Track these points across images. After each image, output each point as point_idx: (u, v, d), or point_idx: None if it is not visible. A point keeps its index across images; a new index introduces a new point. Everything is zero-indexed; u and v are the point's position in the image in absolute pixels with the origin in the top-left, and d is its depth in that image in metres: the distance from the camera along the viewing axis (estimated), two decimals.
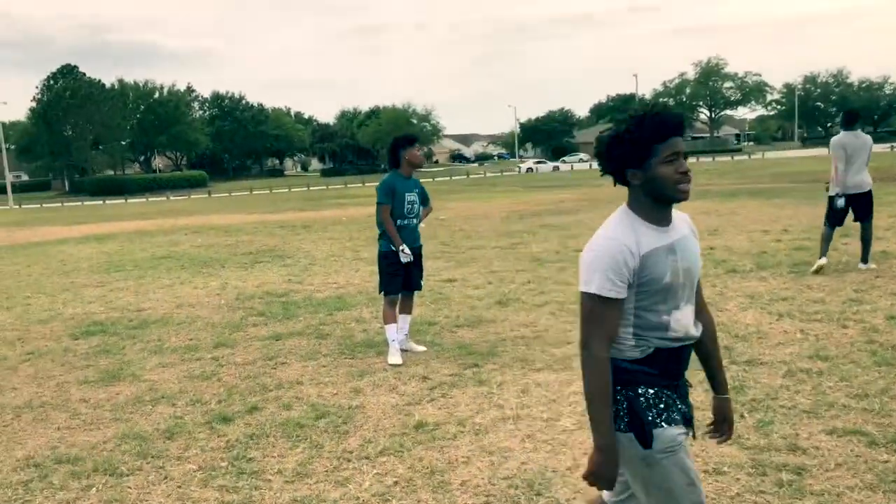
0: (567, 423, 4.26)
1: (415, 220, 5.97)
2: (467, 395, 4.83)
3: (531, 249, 11.80)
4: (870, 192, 8.36)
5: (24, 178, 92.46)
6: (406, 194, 5.83)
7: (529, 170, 69.88)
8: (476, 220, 18.28)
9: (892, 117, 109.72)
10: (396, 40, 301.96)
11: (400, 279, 5.87)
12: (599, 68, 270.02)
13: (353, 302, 8.17)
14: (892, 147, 65.43)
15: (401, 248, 5.73)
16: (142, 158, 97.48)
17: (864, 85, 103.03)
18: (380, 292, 6.00)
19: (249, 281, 10.14)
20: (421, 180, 6.31)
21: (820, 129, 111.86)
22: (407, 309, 6.10)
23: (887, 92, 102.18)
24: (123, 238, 18.45)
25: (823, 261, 8.34)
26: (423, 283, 6.20)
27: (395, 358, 5.74)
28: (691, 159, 70.44)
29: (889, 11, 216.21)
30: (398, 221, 5.83)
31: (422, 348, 6.04)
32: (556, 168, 70.84)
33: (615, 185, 2.30)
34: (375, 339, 6.41)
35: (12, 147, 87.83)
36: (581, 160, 79.41)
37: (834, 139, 8.39)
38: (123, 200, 60.50)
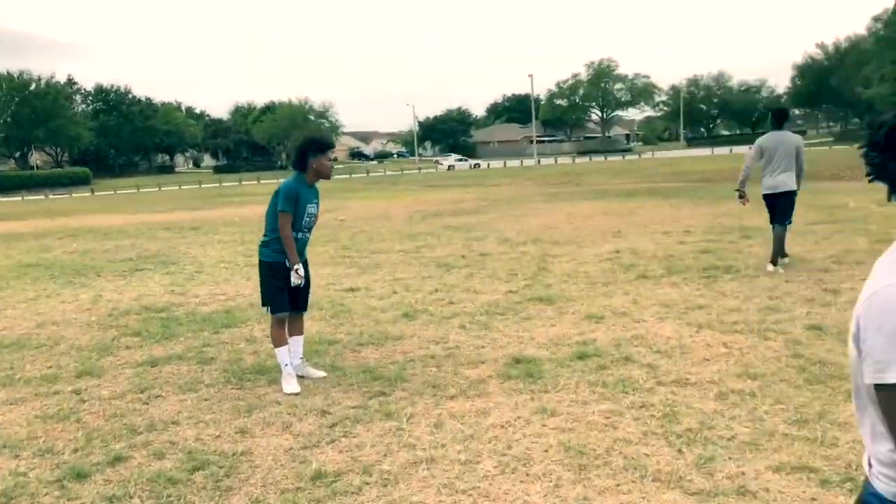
0: (488, 467, 3.72)
1: (309, 235, 5.32)
2: (373, 433, 4.22)
3: (436, 253, 11.27)
4: (789, 193, 8.22)
5: None
6: (308, 205, 5.17)
7: (451, 167, 69.92)
8: (378, 221, 17.63)
9: (768, 120, 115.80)
10: (291, 33, 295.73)
11: (286, 294, 5.20)
12: (493, 67, 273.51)
13: (242, 317, 7.39)
14: None
15: (295, 267, 5.07)
16: (17, 154, 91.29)
17: (742, 88, 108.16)
18: (263, 306, 5.31)
19: (126, 293, 9.15)
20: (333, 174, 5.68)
21: (703, 129, 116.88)
22: (297, 329, 5.43)
23: (764, 95, 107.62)
24: None
25: (774, 269, 8.15)
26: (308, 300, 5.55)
27: (290, 386, 5.06)
28: (583, 159, 72.30)
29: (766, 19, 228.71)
30: (297, 234, 5.16)
31: (321, 374, 5.38)
32: (475, 166, 71.09)
33: (889, 199, 1.46)
34: (267, 363, 5.69)
35: None
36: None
37: (759, 139, 8.36)
38: None
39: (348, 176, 61.50)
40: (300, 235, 5.20)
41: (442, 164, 73.52)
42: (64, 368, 5.87)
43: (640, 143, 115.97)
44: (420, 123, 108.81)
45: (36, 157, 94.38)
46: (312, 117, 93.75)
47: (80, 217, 27.27)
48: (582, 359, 5.39)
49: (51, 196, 57.35)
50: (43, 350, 6.48)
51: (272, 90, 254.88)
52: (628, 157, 72.47)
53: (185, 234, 16.36)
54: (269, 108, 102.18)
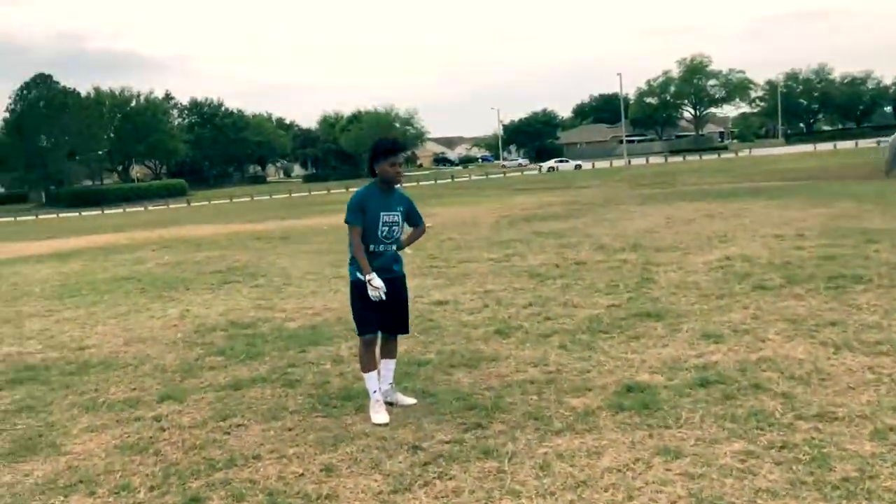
0: None
1: (392, 246, 4.88)
2: (471, 475, 3.74)
3: (528, 262, 10.74)
4: None
5: (1, 190, 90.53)
6: (382, 213, 4.75)
7: (551, 169, 69.76)
8: (465, 228, 17.22)
9: (875, 113, 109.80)
10: (379, 43, 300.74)
11: (374, 316, 4.78)
12: (581, 69, 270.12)
13: (329, 333, 7.06)
14: (877, 142, 65.16)
15: (368, 278, 4.65)
16: (120, 168, 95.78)
17: (846, 81, 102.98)
18: (357, 331, 4.92)
19: (214, 307, 9.00)
20: (404, 185, 5.26)
21: (802, 125, 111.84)
22: (389, 352, 5.01)
23: (870, 87, 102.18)
24: (88, 255, 17.23)
25: None
26: (408, 323, 5.11)
27: (378, 416, 4.65)
28: (676, 158, 70.01)
29: (868, 9, 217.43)
30: (370, 247, 4.74)
31: (411, 400, 4.94)
32: (578, 167, 70.60)
33: None
34: (355, 386, 5.31)
35: None
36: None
37: None
38: (100, 212, 59.01)
39: (433, 182, 61.56)
40: (380, 248, 4.78)
41: (542, 165, 72.97)
42: (147, 391, 5.65)
43: (736, 141, 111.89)
44: (505, 127, 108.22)
45: (137, 171, 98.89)
46: (398, 124, 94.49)
47: (175, 228, 28.02)
48: (704, 386, 4.77)
49: (149, 207, 59.70)
50: (128, 371, 6.30)
51: (359, 99, 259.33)
52: (724, 155, 69.85)
53: (275, 245, 16.36)
54: (356, 117, 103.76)
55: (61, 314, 9.35)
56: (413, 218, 5.04)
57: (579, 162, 75.73)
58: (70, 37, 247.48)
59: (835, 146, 64.64)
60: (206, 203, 59.21)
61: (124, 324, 8.39)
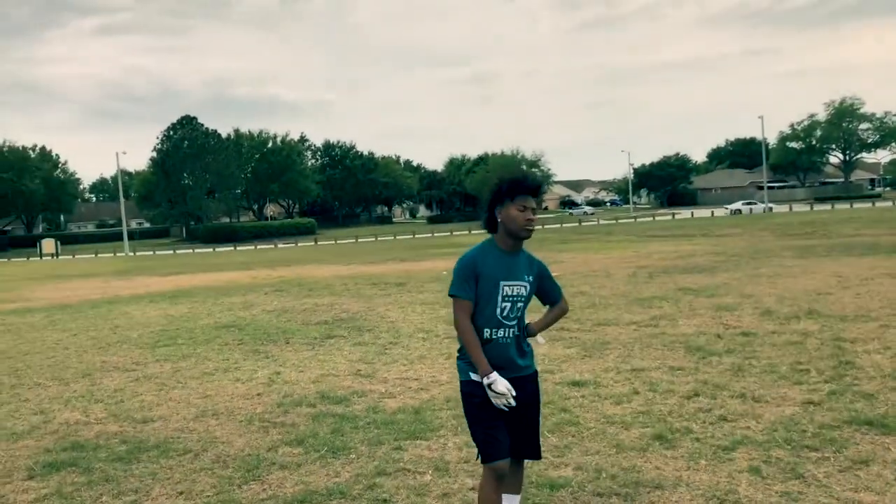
0: None
1: (514, 331, 3.37)
2: None
3: (680, 329, 8.93)
4: None
5: (146, 225, 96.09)
6: (503, 283, 3.30)
7: (737, 211, 65.29)
8: (596, 279, 15.47)
9: None
10: (507, 88, 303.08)
11: (503, 433, 3.27)
12: (714, 112, 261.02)
13: (433, 421, 5.60)
14: None
15: (487, 381, 3.17)
16: (255, 206, 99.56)
17: None
18: (479, 456, 3.38)
19: (308, 371, 7.75)
20: (540, 226, 3.78)
21: None
22: (514, 486, 3.48)
23: None
24: (201, 296, 16.69)
25: None
26: (541, 444, 3.56)
27: None
28: (823, 206, 64.66)
29: None
30: (484, 332, 3.28)
31: None
32: (769, 209, 65.02)
33: None
34: None
35: (133, 195, 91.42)
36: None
37: None
38: (233, 248, 60.88)
39: (559, 225, 59.68)
40: (499, 333, 3.30)
41: (729, 207, 68.08)
42: (197, 497, 4.36)
43: (888, 189, 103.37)
44: (635, 170, 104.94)
45: (271, 209, 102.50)
46: (524, 167, 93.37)
47: (297, 267, 27.70)
48: None
49: (279, 245, 61.05)
50: (185, 460, 5.06)
51: (487, 142, 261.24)
52: (878, 203, 64.09)
53: (389, 291, 15.20)
54: (482, 159, 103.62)
55: (145, 369, 8.38)
56: (549, 292, 3.54)
57: (772, 204, 69.82)
58: (217, 82, 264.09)
59: None
60: (332, 242, 59.93)
61: (205, 387, 7.26)
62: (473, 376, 3.24)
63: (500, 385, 3.14)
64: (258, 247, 61.01)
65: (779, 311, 9.81)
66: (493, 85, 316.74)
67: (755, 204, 68.85)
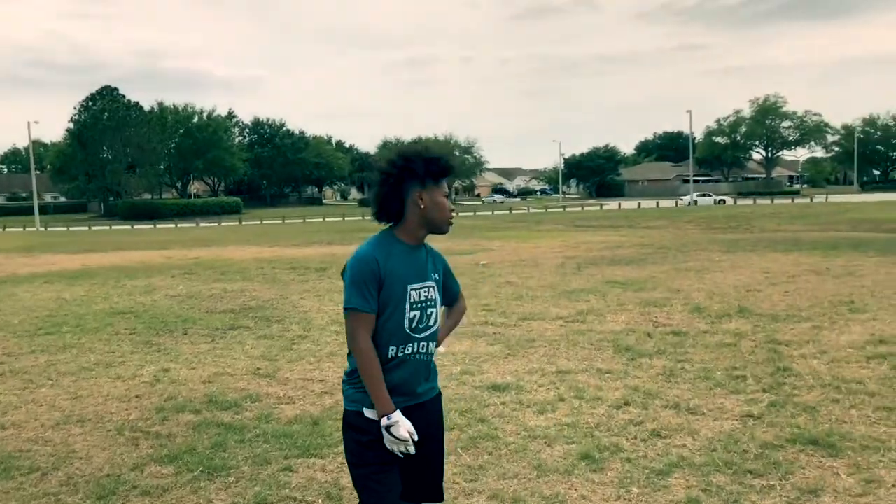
0: None
1: (431, 347, 2.71)
2: None
3: (608, 326, 8.44)
4: None
5: (62, 199, 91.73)
6: (410, 287, 2.62)
7: (693, 202, 64.71)
8: (525, 269, 14.97)
9: None
10: (442, 74, 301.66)
11: (393, 478, 2.61)
12: (645, 106, 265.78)
13: (333, 434, 4.88)
14: None
15: (385, 422, 2.50)
16: (179, 183, 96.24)
17: None
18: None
19: (201, 368, 6.93)
20: (459, 214, 3.11)
21: (878, 172, 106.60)
22: None
23: None
24: (102, 277, 15.48)
25: None
26: (443, 482, 2.90)
27: None
28: (745, 201, 66.29)
29: None
30: (389, 351, 2.60)
31: None
32: (720, 201, 64.82)
33: None
34: None
35: (48, 168, 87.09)
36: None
37: None
38: (152, 226, 58.50)
39: (490, 213, 59.45)
40: (407, 350, 2.62)
41: (682, 198, 67.80)
42: None
43: (806, 186, 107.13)
44: (566, 161, 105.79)
45: (195, 187, 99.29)
46: (457, 152, 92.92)
47: (217, 248, 26.46)
48: None
49: (202, 224, 58.94)
50: (29, 482, 4.23)
51: (421, 127, 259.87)
52: (797, 200, 66.03)
53: (308, 277, 14.36)
54: (416, 143, 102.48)
55: (15, 362, 7.40)
56: (448, 289, 2.87)
57: (724, 197, 70.05)
58: (146, 54, 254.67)
59: None
60: (258, 223, 58.19)
61: (78, 386, 6.37)
62: (368, 413, 2.55)
63: (402, 429, 2.47)
64: (179, 225, 58.78)
65: (709, 309, 9.45)
66: (429, 69, 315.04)
67: (707, 196, 69.38)
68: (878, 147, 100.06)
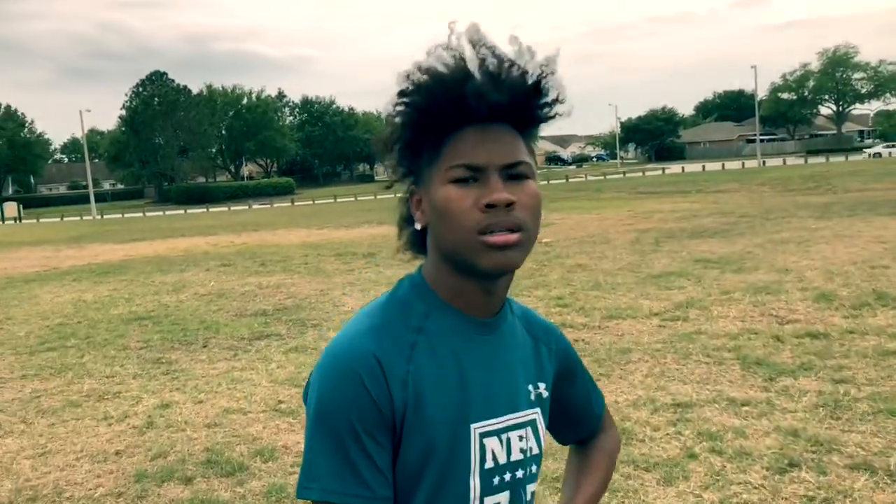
0: None
1: None
2: None
3: (720, 325, 6.72)
4: None
5: (119, 186, 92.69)
6: (478, 428, 1.04)
7: (877, 154, 60.38)
8: (596, 247, 13.26)
9: None
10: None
11: None
12: (702, 66, 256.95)
13: None
14: None
15: None
16: (232, 166, 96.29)
17: None
18: None
19: (211, 400, 5.50)
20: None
21: None
22: None
23: None
24: (135, 271, 14.31)
25: None
26: None
27: None
28: (817, 159, 62.11)
29: None
30: None
31: None
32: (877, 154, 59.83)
33: None
34: None
35: (104, 154, 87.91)
36: None
37: None
38: (205, 210, 58.16)
39: (546, 182, 57.32)
40: None
41: (867, 151, 61.37)
42: None
43: (878, 141, 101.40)
44: (622, 125, 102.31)
45: (248, 169, 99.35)
46: None
47: (266, 232, 25.37)
48: None
49: (254, 206, 58.36)
50: None
51: None
52: (873, 156, 61.90)
53: (354, 266, 12.92)
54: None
55: (2, 390, 6.11)
56: (580, 406, 1.28)
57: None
58: (195, 38, 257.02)
59: None
60: (310, 203, 57.28)
61: (54, 432, 5.00)
62: None
63: None
64: (232, 208, 58.29)
65: (838, 295, 7.63)
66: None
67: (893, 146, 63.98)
68: None
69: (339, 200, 56.58)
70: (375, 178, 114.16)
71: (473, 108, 0.97)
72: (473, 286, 1.04)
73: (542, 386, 1.13)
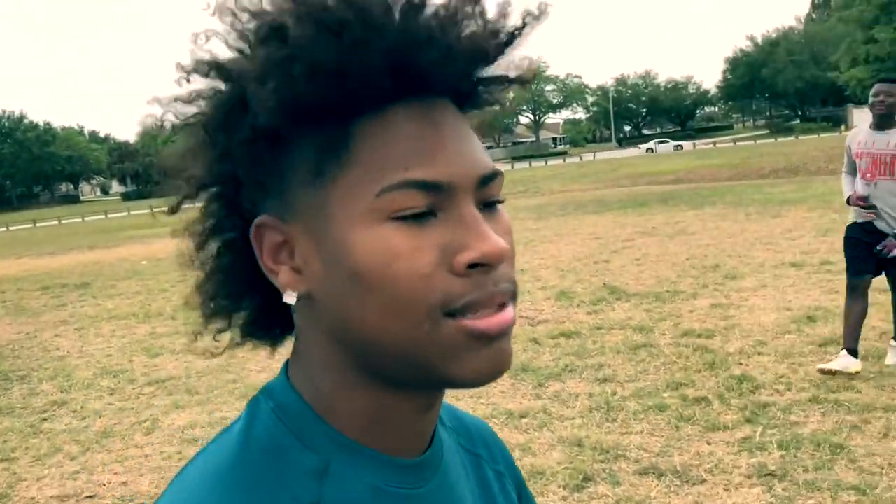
0: None
1: None
2: None
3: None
4: None
5: None
6: None
7: (650, 150, 62.67)
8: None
9: (697, 116, 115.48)
10: None
11: None
12: None
13: None
14: (713, 143, 66.78)
15: None
16: None
17: (670, 85, 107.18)
18: None
19: None
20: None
21: (631, 129, 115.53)
22: None
23: (691, 91, 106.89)
24: None
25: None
26: None
27: None
28: (521, 164, 67.93)
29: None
30: None
31: None
32: (678, 147, 63.05)
33: None
34: None
35: None
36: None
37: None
38: None
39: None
40: None
41: (641, 146, 64.16)
42: None
43: (568, 146, 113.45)
44: None
45: None
46: None
47: None
48: None
49: None
50: None
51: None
52: (568, 160, 69.03)
53: (66, 300, 11.25)
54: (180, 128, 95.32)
55: None
56: None
57: (680, 143, 68.22)
58: None
59: (675, 148, 65.41)
60: (3, 229, 50.30)
61: None
62: None
63: None
64: None
65: (575, 291, 8.03)
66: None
67: (665, 143, 68.60)
68: (630, 105, 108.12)
69: (39, 225, 50.47)
70: (81, 197, 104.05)
71: (423, 66, 0.51)
72: (408, 406, 0.57)
73: None
